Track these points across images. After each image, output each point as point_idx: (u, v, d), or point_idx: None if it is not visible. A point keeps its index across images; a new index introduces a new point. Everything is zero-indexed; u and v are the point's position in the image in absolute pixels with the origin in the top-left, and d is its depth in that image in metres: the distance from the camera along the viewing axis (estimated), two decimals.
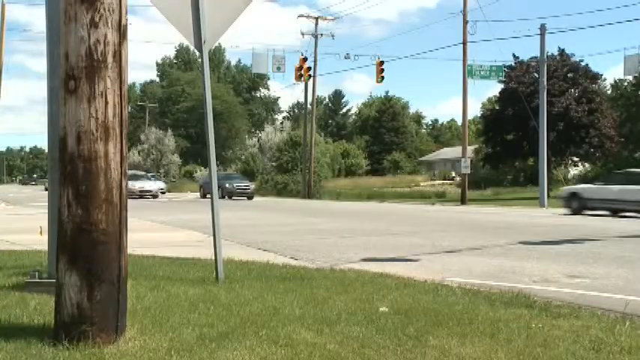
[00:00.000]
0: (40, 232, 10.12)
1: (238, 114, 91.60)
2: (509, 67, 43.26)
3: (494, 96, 49.89)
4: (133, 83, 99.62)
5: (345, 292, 5.69)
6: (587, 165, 58.99)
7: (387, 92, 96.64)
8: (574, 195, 22.89)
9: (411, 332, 4.20)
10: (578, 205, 22.33)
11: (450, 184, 57.82)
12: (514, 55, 44.97)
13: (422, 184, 61.47)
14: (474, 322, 4.52)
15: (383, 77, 35.96)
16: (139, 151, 75.37)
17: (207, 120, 6.41)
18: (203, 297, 5.32)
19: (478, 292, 5.82)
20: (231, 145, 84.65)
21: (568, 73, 44.67)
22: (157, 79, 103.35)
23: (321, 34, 45.04)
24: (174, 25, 6.47)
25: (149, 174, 48.57)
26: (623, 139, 51.11)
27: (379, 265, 7.83)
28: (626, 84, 66.57)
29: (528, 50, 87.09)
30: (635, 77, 59.51)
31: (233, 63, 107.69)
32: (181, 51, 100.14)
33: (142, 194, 37.04)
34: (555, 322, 4.58)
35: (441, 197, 44.79)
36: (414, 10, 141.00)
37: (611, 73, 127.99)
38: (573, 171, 65.74)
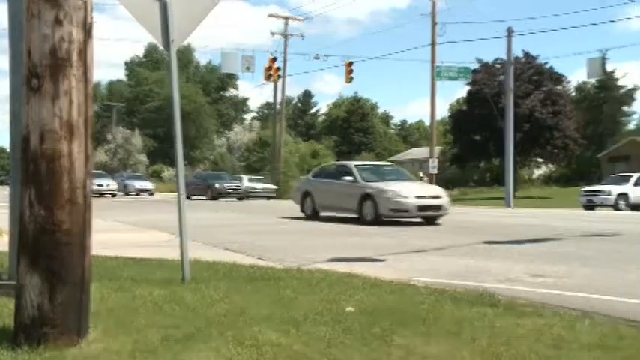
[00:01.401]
0: (1, 234, 9.93)
1: (207, 114, 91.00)
2: (475, 70, 43.83)
3: (462, 97, 50.47)
4: (99, 82, 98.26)
5: (312, 293, 5.70)
6: (551, 166, 59.95)
7: (356, 93, 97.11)
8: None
9: (376, 332, 4.22)
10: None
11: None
12: (478, 60, 45.51)
13: None
14: (439, 321, 4.57)
15: (352, 78, 36.09)
16: (105, 150, 74.43)
17: (175, 119, 6.36)
18: (168, 298, 5.28)
19: (444, 292, 5.88)
20: (200, 145, 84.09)
21: (533, 75, 45.42)
22: (125, 78, 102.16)
23: (291, 34, 45.04)
24: (142, 24, 6.41)
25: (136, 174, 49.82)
26: (585, 142, 52.11)
27: (347, 265, 7.85)
28: (589, 86, 67.87)
29: (495, 52, 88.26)
30: (597, 80, 60.75)
31: (202, 63, 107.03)
32: (150, 50, 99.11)
33: (138, 192, 39.35)
34: (519, 321, 4.65)
35: None
36: (386, 10, 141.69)
37: (576, 75, 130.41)
38: (538, 171, 66.87)
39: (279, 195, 42.59)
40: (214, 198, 35.40)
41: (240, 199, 36.79)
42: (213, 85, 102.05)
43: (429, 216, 16.38)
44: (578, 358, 3.73)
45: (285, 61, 44.31)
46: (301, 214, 18.89)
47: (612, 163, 56.07)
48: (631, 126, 79.47)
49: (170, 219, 15.82)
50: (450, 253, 9.95)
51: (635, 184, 29.43)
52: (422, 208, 16.05)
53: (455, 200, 41.21)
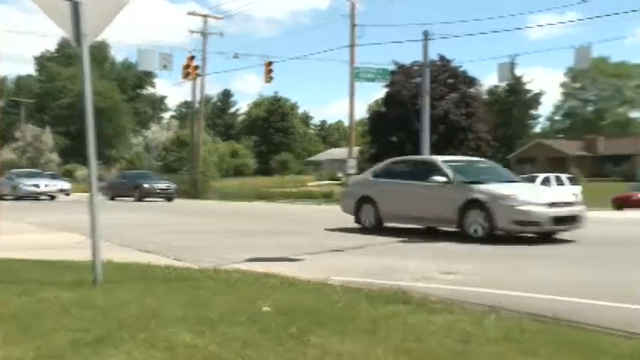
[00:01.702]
0: None
1: (123, 112, 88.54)
2: (393, 71, 44.66)
3: (381, 98, 51.36)
4: (6, 77, 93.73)
5: (228, 293, 5.65)
6: None
7: (276, 92, 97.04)
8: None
9: (292, 332, 4.23)
10: None
11: (337, 185, 58.80)
12: (395, 62, 46.43)
13: (309, 185, 62.11)
14: (354, 320, 4.63)
15: (272, 77, 35.98)
16: (13, 148, 71.13)
17: (86, 116, 6.16)
18: (78, 301, 5.10)
19: (360, 291, 5.96)
20: (116, 143, 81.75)
21: (448, 78, 46.77)
22: (35, 74, 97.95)
23: (211, 33, 44.48)
24: (51, 18, 6.17)
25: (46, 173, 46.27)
26: (497, 143, 54.14)
27: (264, 265, 7.83)
28: (500, 90, 70.52)
29: (413, 55, 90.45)
30: (507, 84, 63.19)
31: (119, 59, 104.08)
32: (63, 45, 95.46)
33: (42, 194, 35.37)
34: (430, 318, 4.78)
35: (328, 197, 45.39)
36: (306, 10, 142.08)
37: (489, 79, 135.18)
38: None
39: (195, 195, 41.80)
40: (141, 198, 33.72)
41: (169, 199, 34.89)
42: (130, 82, 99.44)
43: (564, 230, 12.09)
44: (484, 352, 3.87)
45: (204, 60, 43.68)
46: (353, 225, 14.48)
47: (521, 165, 58.54)
48: (537, 129, 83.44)
49: (83, 219, 15.26)
50: (367, 253, 10.10)
51: (542, 185, 30.75)
52: (558, 220, 11.74)
53: None
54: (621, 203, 29.37)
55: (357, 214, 14.61)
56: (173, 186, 35.90)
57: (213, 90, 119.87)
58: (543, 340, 4.12)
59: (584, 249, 10.77)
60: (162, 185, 35.47)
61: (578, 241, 11.53)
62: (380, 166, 15.75)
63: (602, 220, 16.67)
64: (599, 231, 13.18)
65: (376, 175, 15.00)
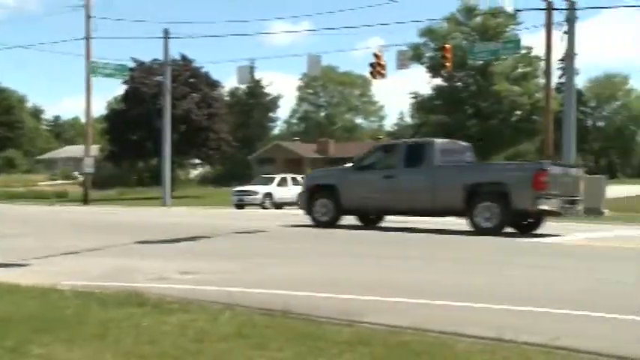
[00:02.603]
0: None
1: None
2: (133, 68, 43.31)
3: (121, 95, 49.47)
4: None
5: None
6: (208, 167, 62.50)
7: None
8: None
9: (9, 344, 3.87)
10: None
11: (73, 184, 55.44)
12: (134, 59, 45.14)
13: (40, 184, 57.75)
14: (83, 325, 4.40)
15: None
16: None
17: None
18: None
19: (91, 294, 5.68)
20: None
21: (190, 78, 46.70)
22: None
23: None
24: None
25: None
26: (238, 143, 55.62)
27: None
28: (241, 92, 72.53)
29: (153, 52, 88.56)
30: (248, 87, 65.26)
31: None
32: None
33: None
34: (165, 318, 4.72)
35: (62, 197, 42.61)
36: None
37: (230, 81, 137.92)
38: (195, 172, 69.11)
39: None
40: None
41: None
42: None
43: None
44: (216, 349, 3.93)
45: None
46: None
47: (261, 165, 60.82)
48: (276, 131, 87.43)
49: None
50: (104, 254, 9.66)
51: (279, 185, 32.27)
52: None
53: (112, 200, 40.25)
54: None
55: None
56: None
57: None
58: (273, 333, 4.30)
59: (318, 245, 11.52)
60: None
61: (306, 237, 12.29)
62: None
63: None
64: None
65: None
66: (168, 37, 32.36)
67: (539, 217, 13.72)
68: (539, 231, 13.76)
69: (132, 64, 43.06)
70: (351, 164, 16.94)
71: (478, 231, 13.03)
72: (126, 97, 46.97)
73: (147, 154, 46.38)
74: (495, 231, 12.87)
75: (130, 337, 4.10)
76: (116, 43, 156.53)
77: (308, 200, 15.61)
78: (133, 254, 9.66)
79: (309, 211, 15.56)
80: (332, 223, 14.95)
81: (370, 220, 15.79)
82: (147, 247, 10.84)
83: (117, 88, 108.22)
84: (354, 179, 15.10)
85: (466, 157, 15.34)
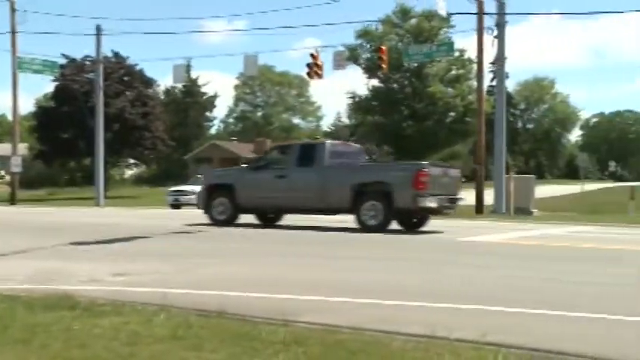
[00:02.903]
0: None
1: None
2: (64, 65, 42.06)
3: (51, 92, 47.97)
4: None
5: None
6: (143, 167, 61.30)
7: None
8: None
9: None
10: None
11: (0, 183, 53.43)
12: (65, 55, 43.87)
13: None
14: (7, 330, 4.25)
15: None
16: None
17: None
18: None
19: (18, 298, 5.48)
20: None
21: (124, 76, 45.74)
22: None
23: None
24: None
25: None
26: (174, 143, 54.78)
27: None
28: (177, 91, 71.52)
29: (86, 49, 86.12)
30: (184, 86, 64.42)
31: None
32: None
33: None
34: (97, 321, 4.60)
35: None
36: None
37: (165, 80, 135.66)
38: (130, 172, 67.71)
39: None
40: None
41: None
42: None
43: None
44: (150, 351, 3.86)
45: None
46: None
47: (198, 165, 60.09)
48: (213, 130, 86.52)
49: None
50: (33, 257, 9.34)
51: None
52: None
53: (42, 200, 38.96)
54: None
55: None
56: None
57: None
58: (208, 334, 4.26)
59: (255, 245, 11.48)
60: None
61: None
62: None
63: None
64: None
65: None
66: (101, 34, 31.58)
67: (423, 215, 14.45)
68: (476, 232, 14.10)
69: (62, 61, 41.82)
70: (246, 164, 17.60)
71: (364, 229, 13.62)
72: (56, 95, 45.64)
73: (79, 153, 45.17)
74: (380, 228, 13.49)
75: (58, 342, 3.98)
76: (47, 39, 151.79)
77: (206, 199, 15.98)
78: (63, 256, 9.37)
79: (207, 210, 15.91)
80: (229, 222, 15.36)
81: (268, 218, 16.25)
82: (78, 248, 10.54)
83: (47, 85, 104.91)
84: (249, 179, 15.49)
85: (358, 158, 16.05)
